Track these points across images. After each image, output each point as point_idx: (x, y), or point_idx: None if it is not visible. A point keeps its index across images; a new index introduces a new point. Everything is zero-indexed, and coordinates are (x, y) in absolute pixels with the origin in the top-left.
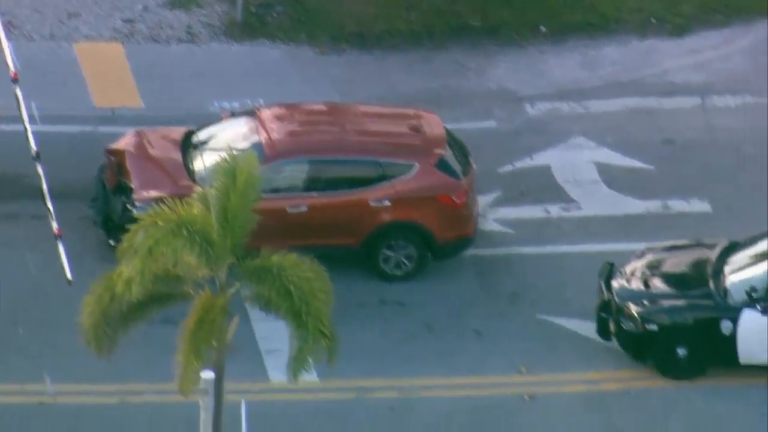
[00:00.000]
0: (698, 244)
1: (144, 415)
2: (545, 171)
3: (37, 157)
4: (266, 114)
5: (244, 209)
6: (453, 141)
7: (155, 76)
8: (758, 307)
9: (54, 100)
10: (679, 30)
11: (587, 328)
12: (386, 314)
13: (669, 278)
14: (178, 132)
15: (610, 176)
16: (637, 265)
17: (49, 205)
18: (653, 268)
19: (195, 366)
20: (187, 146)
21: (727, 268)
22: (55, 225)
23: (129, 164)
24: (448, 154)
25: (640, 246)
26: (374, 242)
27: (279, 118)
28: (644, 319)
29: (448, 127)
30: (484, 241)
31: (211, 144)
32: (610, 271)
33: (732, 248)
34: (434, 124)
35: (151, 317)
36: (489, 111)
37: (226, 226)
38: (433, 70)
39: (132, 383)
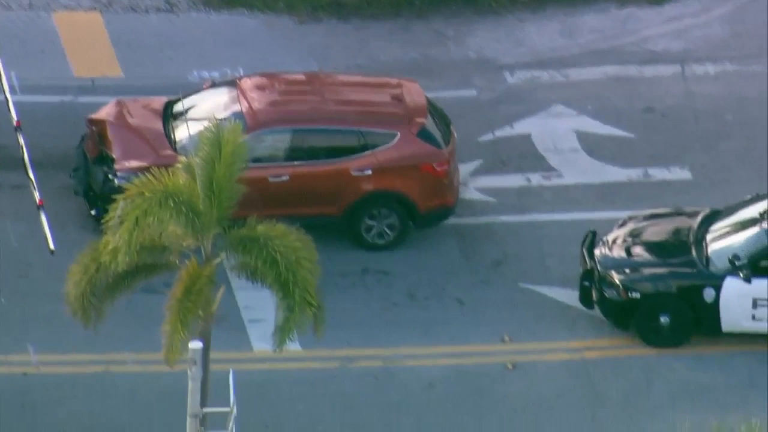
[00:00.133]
0: (679, 213)
1: (128, 385)
2: (526, 139)
3: (19, 127)
4: (247, 83)
5: (230, 180)
6: (434, 110)
7: (134, 45)
8: (741, 274)
9: (33, 70)
10: None
11: (570, 296)
12: (369, 283)
13: (651, 246)
14: (159, 102)
15: (591, 144)
16: (620, 234)
17: (31, 175)
18: (635, 236)
19: (181, 336)
20: (168, 116)
21: (709, 236)
22: (37, 195)
23: (110, 134)
24: (429, 123)
25: (622, 214)
26: (356, 211)
27: (260, 88)
28: (627, 287)
29: (429, 96)
30: (465, 209)
31: (192, 113)
32: (592, 240)
33: (713, 216)
34: (415, 93)
35: (136, 287)
36: (469, 80)
37: (212, 197)
38: (412, 39)
39: (115, 353)
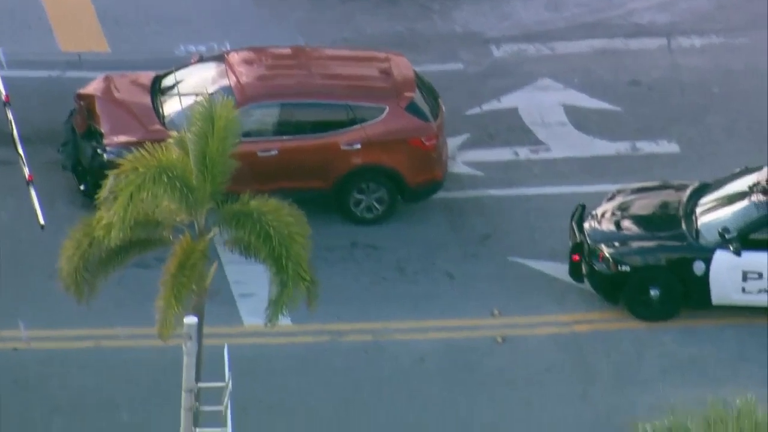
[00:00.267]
0: (668, 186)
1: (119, 359)
2: (513, 113)
3: (8, 102)
4: (235, 58)
5: (223, 154)
6: (422, 84)
7: (121, 20)
8: (730, 247)
9: (20, 46)
10: None
11: (559, 270)
12: (358, 257)
13: (641, 220)
14: (147, 76)
15: (578, 118)
16: (609, 207)
17: (21, 150)
18: (624, 209)
19: (175, 311)
20: (157, 91)
21: (698, 209)
22: (26, 170)
23: (99, 109)
24: (417, 97)
25: (610, 188)
26: (345, 185)
27: (248, 62)
28: (616, 260)
29: (416, 69)
30: (453, 183)
31: (180, 88)
32: (581, 213)
33: (702, 189)
34: (403, 67)
35: (129, 262)
36: (455, 53)
37: (205, 172)
38: (399, 12)
39: (107, 328)
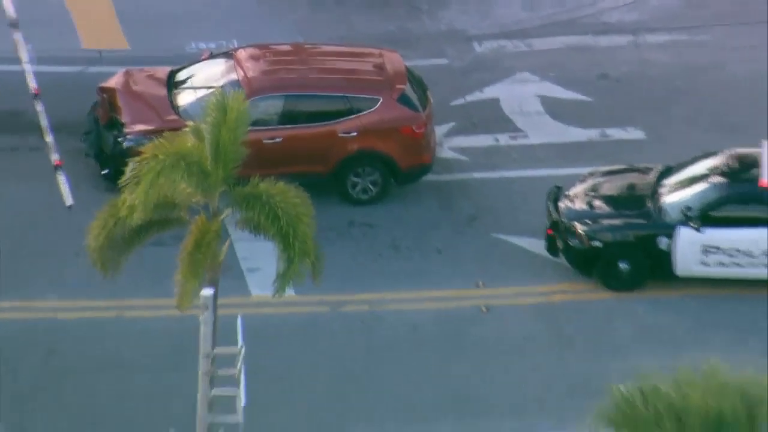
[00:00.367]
0: (635, 169)
1: (139, 328)
2: (494, 103)
3: (37, 95)
4: (242, 54)
5: (235, 142)
6: (412, 77)
7: (138, 20)
8: (692, 224)
9: (46, 44)
10: None
11: (537, 246)
12: (355, 235)
13: (611, 200)
14: (162, 71)
15: (553, 108)
16: (581, 188)
17: (49, 138)
18: (596, 190)
19: (193, 284)
20: (171, 84)
21: (663, 190)
22: (54, 156)
23: (119, 101)
24: (408, 89)
25: (582, 171)
26: (343, 170)
27: (254, 58)
28: (589, 236)
29: (406, 64)
30: (441, 167)
31: (193, 82)
32: (557, 194)
33: (666, 172)
34: (395, 62)
35: (149, 240)
36: (441, 49)
37: (218, 158)
38: (390, 12)
39: (127, 299)
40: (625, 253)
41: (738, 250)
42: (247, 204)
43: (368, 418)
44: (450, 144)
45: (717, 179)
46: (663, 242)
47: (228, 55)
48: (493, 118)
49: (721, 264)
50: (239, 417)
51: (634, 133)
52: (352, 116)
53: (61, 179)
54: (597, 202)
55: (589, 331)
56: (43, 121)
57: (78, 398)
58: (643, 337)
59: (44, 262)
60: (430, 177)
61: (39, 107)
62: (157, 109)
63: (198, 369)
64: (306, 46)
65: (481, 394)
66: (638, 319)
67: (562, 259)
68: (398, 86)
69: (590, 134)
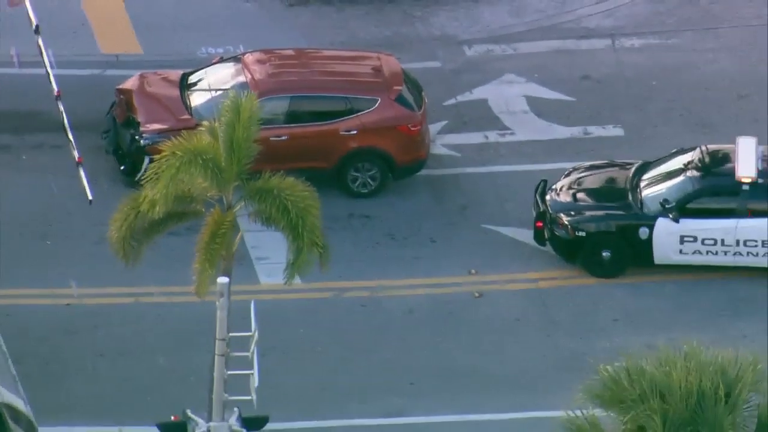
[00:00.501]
0: (616, 164)
1: (155, 313)
2: (483, 103)
3: (59, 96)
4: (250, 58)
5: (248, 140)
6: (408, 79)
7: (151, 26)
8: (670, 216)
9: (66, 48)
10: None
11: (525, 235)
12: (355, 226)
13: (594, 192)
14: (176, 74)
15: (538, 107)
16: (566, 182)
17: (71, 136)
18: (580, 184)
19: (209, 273)
20: (184, 86)
21: (642, 184)
22: (76, 153)
23: (136, 101)
24: (404, 90)
25: (566, 165)
26: (344, 165)
27: (261, 62)
28: (574, 227)
29: (402, 67)
30: (434, 163)
31: (204, 84)
32: (544, 187)
33: (645, 166)
34: (392, 65)
35: (167, 231)
36: (434, 53)
37: (232, 155)
38: (385, 19)
39: (144, 286)
40: (607, 243)
41: (713, 240)
42: (260, 197)
43: (369, 391)
44: (442, 141)
45: (693, 173)
46: (643, 232)
47: (237, 59)
48: (482, 116)
49: (698, 252)
50: (253, 396)
51: (613, 131)
52: (353, 115)
53: (83, 175)
54: (581, 195)
55: (575, 314)
56: (65, 121)
57: (99, 378)
58: (624, 319)
59: (65, 251)
60: (424, 172)
61: (61, 108)
62: (171, 109)
63: (212, 351)
64: (309, 50)
65: (474, 371)
66: (620, 303)
67: (548, 248)
68: (395, 87)
69: (573, 131)
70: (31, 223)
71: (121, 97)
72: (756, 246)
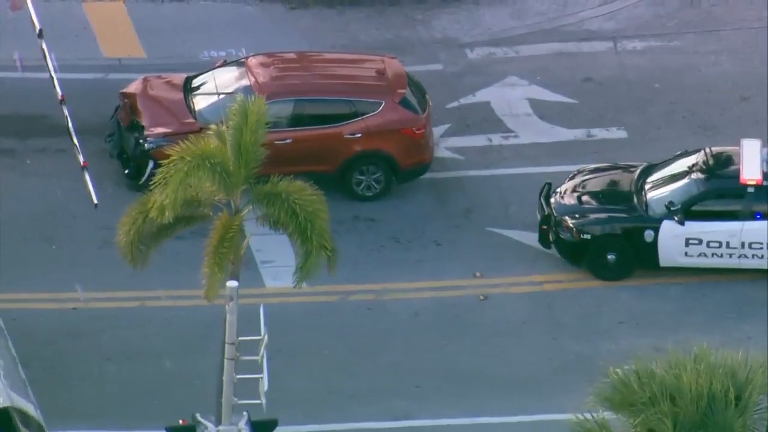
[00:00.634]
0: (619, 166)
1: (161, 317)
2: (486, 106)
3: (63, 101)
4: (254, 62)
5: (255, 144)
6: (412, 82)
7: (154, 30)
8: (675, 218)
9: (69, 52)
10: None
11: (529, 238)
12: (360, 229)
13: (598, 195)
14: (179, 77)
15: (541, 109)
16: (571, 185)
17: (76, 140)
18: (584, 187)
19: (218, 277)
20: (188, 89)
21: (647, 186)
22: (81, 157)
23: (140, 105)
24: (408, 93)
25: (569, 168)
26: (348, 168)
27: (265, 65)
28: (579, 229)
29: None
30: (438, 166)
31: (208, 87)
32: (548, 190)
33: (650, 169)
34: (396, 68)
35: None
36: (436, 56)
37: (240, 158)
38: (387, 22)
39: (150, 290)
40: (612, 245)
41: (718, 242)
42: (268, 201)
43: (375, 394)
44: (446, 144)
45: (698, 176)
46: (648, 235)
47: (240, 62)
48: (485, 119)
49: (703, 255)
50: (262, 399)
51: (617, 133)
52: (357, 119)
53: (88, 179)
54: (585, 198)
55: (580, 317)
56: (70, 125)
57: (105, 382)
58: (629, 321)
59: (71, 255)
60: (428, 175)
61: (65, 112)
62: (175, 112)
63: (219, 355)
64: (313, 53)
65: (480, 374)
66: (625, 306)
67: (553, 251)
68: (399, 90)
69: (576, 134)
70: (35, 227)
71: (125, 100)
72: (761, 248)
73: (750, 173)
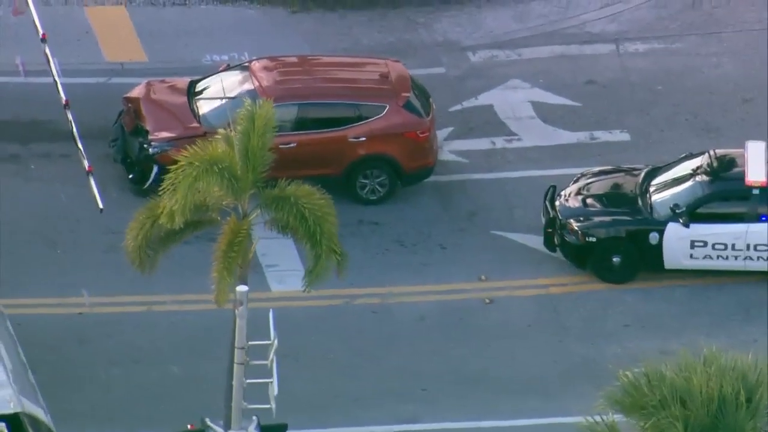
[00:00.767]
0: (623, 169)
1: (167, 322)
2: (489, 109)
3: (67, 105)
4: (257, 65)
5: (263, 148)
6: (415, 85)
7: (155, 34)
8: (680, 220)
9: (71, 57)
10: None
11: (534, 241)
12: (364, 233)
13: (603, 198)
14: (183, 82)
15: (544, 112)
16: (575, 188)
17: (80, 145)
18: (589, 189)
19: (228, 281)
20: (192, 93)
21: (652, 189)
22: (86, 162)
23: (144, 110)
24: (412, 96)
25: (573, 171)
26: (352, 172)
27: (269, 69)
28: (584, 232)
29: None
30: (442, 169)
31: (212, 92)
32: (553, 193)
33: (654, 172)
34: (400, 71)
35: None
36: (438, 59)
37: (248, 163)
38: (389, 25)
39: (156, 295)
40: (617, 248)
41: (723, 244)
42: (277, 206)
43: (381, 397)
44: (450, 147)
45: (703, 178)
46: (653, 237)
47: (244, 66)
48: (488, 122)
49: (708, 257)
50: (272, 404)
51: (620, 135)
52: (361, 122)
53: (93, 184)
54: (590, 201)
55: (586, 320)
56: (75, 130)
57: (112, 387)
58: (634, 324)
59: (76, 260)
60: (432, 178)
61: (70, 117)
62: (179, 117)
63: (226, 359)
64: (316, 57)
65: (486, 377)
66: (630, 308)
67: (558, 254)
68: (403, 94)
69: (579, 137)
70: (40, 231)
71: (129, 105)
72: (766, 250)
73: (755, 175)
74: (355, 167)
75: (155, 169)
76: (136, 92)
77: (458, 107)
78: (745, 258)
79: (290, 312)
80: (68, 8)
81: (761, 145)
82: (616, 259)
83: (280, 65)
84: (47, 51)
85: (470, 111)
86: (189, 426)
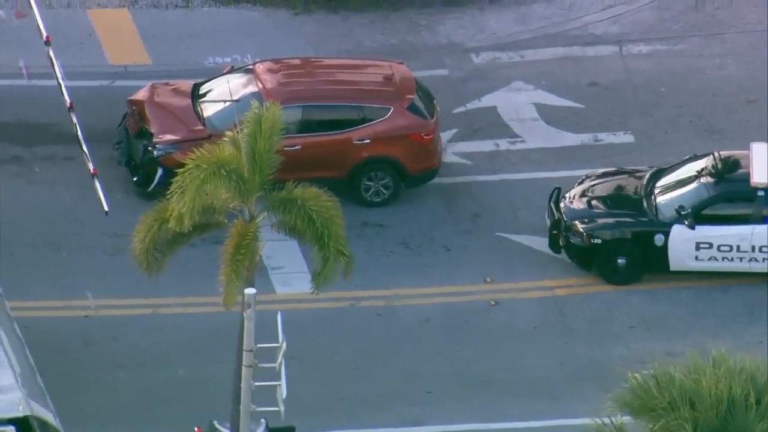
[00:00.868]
0: (628, 170)
1: (172, 324)
2: (492, 111)
3: (72, 108)
4: (261, 67)
5: (270, 151)
6: (419, 87)
7: (159, 36)
8: (686, 222)
9: (75, 59)
10: None
11: (539, 243)
12: (369, 235)
13: (608, 200)
14: (187, 84)
15: (548, 114)
16: (580, 189)
17: (85, 148)
18: (594, 191)
19: (235, 284)
20: (196, 96)
21: (657, 190)
22: (91, 165)
23: (148, 112)
24: (416, 98)
25: (576, 173)
26: (357, 174)
27: (273, 71)
28: (589, 234)
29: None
30: (446, 171)
31: (216, 94)
32: (558, 195)
33: (659, 173)
34: (404, 73)
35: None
36: (441, 61)
37: (255, 166)
38: (391, 27)
39: (161, 298)
40: (622, 249)
41: (728, 246)
42: (284, 208)
43: (386, 399)
44: (454, 149)
45: (708, 179)
46: (658, 239)
47: (248, 68)
48: (492, 124)
49: (713, 258)
50: (281, 407)
51: (623, 137)
52: (366, 124)
53: (98, 186)
54: (595, 202)
55: (591, 321)
56: (79, 133)
57: (118, 390)
58: (640, 326)
59: (82, 263)
60: (436, 180)
61: (74, 119)
62: (183, 119)
63: (233, 362)
64: (321, 59)
65: (492, 379)
66: (636, 310)
67: (563, 256)
68: (407, 96)
69: (583, 138)
70: (45, 234)
71: (133, 108)
72: None
73: (760, 176)
74: (359, 169)
75: (160, 171)
76: (141, 95)
77: (462, 109)
78: (750, 259)
79: (295, 314)
80: (71, 11)
81: (766, 146)
82: (621, 261)
83: (284, 67)
84: (51, 54)
85: (474, 113)
86: (196, 429)
